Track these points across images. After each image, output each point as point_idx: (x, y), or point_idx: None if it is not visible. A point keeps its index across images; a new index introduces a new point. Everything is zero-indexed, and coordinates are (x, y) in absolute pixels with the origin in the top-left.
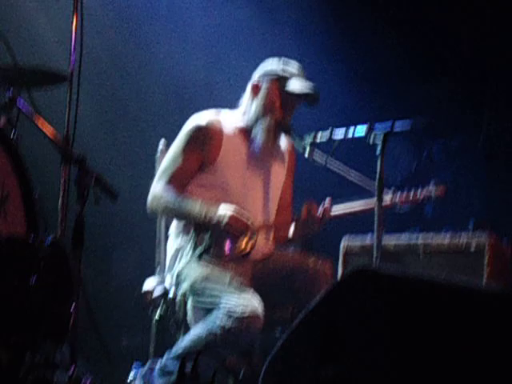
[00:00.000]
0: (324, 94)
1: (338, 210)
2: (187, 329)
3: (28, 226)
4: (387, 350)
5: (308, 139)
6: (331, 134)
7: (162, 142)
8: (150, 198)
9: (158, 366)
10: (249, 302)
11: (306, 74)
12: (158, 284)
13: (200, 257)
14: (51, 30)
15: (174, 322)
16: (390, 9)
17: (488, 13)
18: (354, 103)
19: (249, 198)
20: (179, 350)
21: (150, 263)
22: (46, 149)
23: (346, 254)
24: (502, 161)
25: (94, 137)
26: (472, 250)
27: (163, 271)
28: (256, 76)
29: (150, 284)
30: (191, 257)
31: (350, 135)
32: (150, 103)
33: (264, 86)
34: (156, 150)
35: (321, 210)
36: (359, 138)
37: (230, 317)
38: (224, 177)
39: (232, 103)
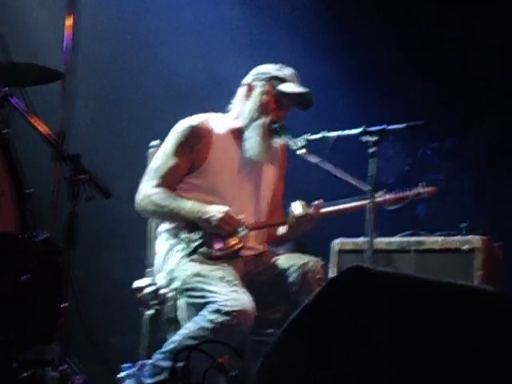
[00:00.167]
0: (317, 95)
1: (330, 208)
2: (179, 326)
3: (20, 223)
4: (381, 348)
5: (303, 139)
6: (325, 134)
7: (154, 142)
8: (139, 196)
9: (149, 363)
10: (240, 297)
11: (299, 72)
12: (149, 282)
13: (191, 255)
14: (48, 28)
15: (166, 319)
16: (384, 9)
17: (481, 13)
18: (346, 105)
19: (239, 200)
20: (170, 346)
21: (141, 262)
22: (39, 146)
23: (338, 253)
24: (495, 163)
25: (87, 135)
26: (464, 250)
27: (154, 271)
28: (249, 78)
29: (140, 282)
30: (182, 255)
31: (344, 134)
32: (145, 101)
33: (258, 87)
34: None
35: (312, 208)
36: (353, 138)
37: (220, 312)
38: (214, 178)
39: (224, 104)
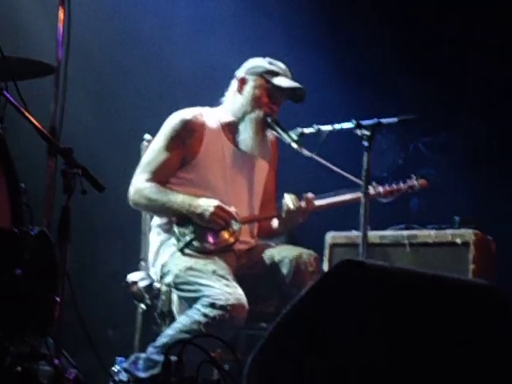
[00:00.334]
0: (310, 89)
1: (322, 200)
2: (172, 320)
3: (13, 216)
4: (374, 341)
5: (296, 132)
6: (319, 128)
7: (147, 136)
8: (132, 190)
9: (142, 357)
10: (233, 290)
11: (293, 69)
12: (142, 276)
13: (183, 249)
14: (41, 22)
15: (160, 313)
16: (379, 9)
17: (478, 10)
18: (340, 99)
19: (232, 194)
20: (164, 339)
21: (136, 254)
22: (33, 140)
23: (331, 246)
24: (487, 156)
25: (81, 128)
26: (458, 244)
27: (148, 265)
28: (242, 71)
29: (135, 275)
30: (174, 249)
31: (338, 128)
32: (138, 95)
33: (251, 81)
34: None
35: (303, 201)
36: (346, 133)
37: (214, 306)
38: (206, 172)
39: (217, 98)
